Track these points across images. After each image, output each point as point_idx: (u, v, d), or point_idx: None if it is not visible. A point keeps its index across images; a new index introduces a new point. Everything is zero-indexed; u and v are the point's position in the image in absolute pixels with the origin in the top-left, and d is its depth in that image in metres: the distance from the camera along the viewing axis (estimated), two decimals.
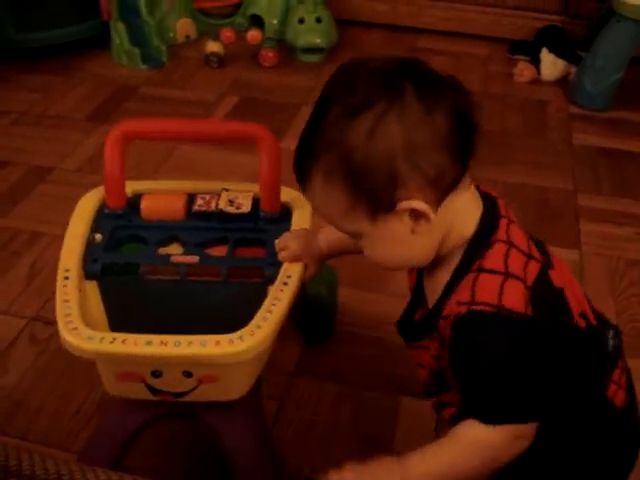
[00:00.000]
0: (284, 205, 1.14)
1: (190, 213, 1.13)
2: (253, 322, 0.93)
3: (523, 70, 2.47)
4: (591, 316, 0.79)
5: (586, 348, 0.77)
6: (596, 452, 0.81)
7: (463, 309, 0.70)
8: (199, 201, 1.14)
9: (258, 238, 1.10)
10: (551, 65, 2.45)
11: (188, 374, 0.96)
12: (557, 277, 0.76)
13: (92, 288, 1.05)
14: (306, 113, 0.77)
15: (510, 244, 0.72)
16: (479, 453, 0.73)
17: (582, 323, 0.76)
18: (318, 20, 2.55)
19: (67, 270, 1.03)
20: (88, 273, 1.05)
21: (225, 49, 2.55)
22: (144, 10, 2.55)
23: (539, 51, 2.47)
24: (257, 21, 2.70)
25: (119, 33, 2.52)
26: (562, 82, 2.46)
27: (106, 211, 1.13)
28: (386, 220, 0.71)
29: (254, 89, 2.39)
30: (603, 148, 2.11)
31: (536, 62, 2.48)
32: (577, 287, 0.80)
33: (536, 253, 0.75)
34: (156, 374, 0.97)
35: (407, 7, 2.78)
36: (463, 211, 0.74)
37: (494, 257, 0.71)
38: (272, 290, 0.99)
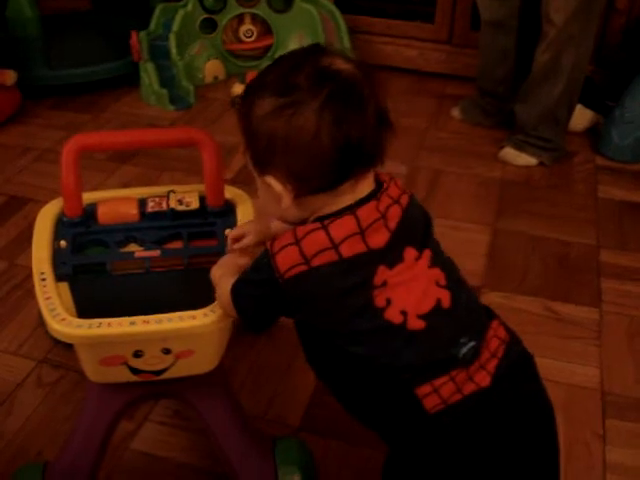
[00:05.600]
0: (227, 201, 1.26)
1: (144, 215, 1.23)
2: None
3: None
4: (413, 318, 0.84)
5: (384, 336, 0.85)
6: (398, 441, 0.91)
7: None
8: (150, 203, 1.25)
9: (209, 231, 1.23)
10: (579, 115, 2.41)
11: (167, 351, 1.06)
12: (388, 274, 0.84)
13: (63, 288, 1.11)
14: None
15: (321, 229, 0.84)
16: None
17: (397, 319, 0.84)
18: None
19: (42, 273, 1.11)
20: (60, 275, 1.12)
21: None
22: (174, 52, 2.58)
23: None
24: None
25: (148, 74, 2.55)
26: (589, 132, 2.43)
27: (65, 220, 1.22)
28: (262, 178, 0.87)
29: None
30: (629, 202, 2.07)
31: None
32: (425, 289, 0.86)
33: (348, 250, 0.83)
34: (138, 354, 1.06)
35: (435, 53, 2.78)
36: (319, 208, 0.87)
37: (303, 228, 0.85)
38: None
